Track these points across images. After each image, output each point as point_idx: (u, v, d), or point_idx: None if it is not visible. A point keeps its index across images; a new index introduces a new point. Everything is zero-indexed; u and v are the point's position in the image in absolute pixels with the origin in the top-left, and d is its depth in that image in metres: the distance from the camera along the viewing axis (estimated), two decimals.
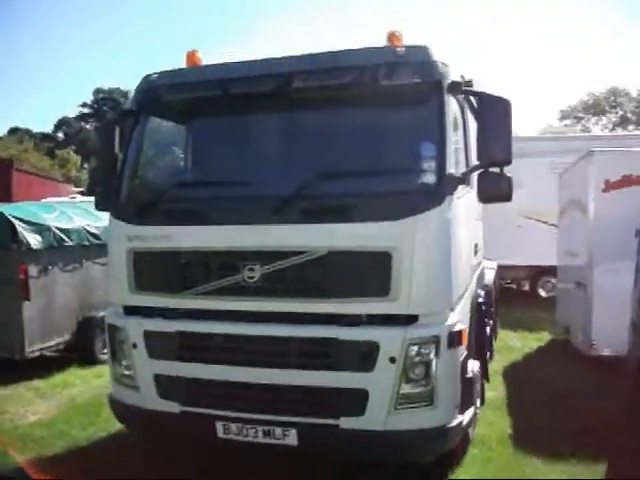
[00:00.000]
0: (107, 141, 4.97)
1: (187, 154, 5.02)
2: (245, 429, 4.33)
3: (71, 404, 7.09)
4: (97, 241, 8.86)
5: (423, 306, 4.07)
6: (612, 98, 42.87)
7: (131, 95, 5.22)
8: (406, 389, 4.08)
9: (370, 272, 4.09)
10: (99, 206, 5.19)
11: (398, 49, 4.28)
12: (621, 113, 43.28)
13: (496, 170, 4.27)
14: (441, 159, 4.12)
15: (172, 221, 4.51)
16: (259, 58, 4.60)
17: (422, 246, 4.02)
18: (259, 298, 4.29)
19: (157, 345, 4.59)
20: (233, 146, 4.77)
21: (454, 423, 4.18)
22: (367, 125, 4.45)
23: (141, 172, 5.03)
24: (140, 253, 4.63)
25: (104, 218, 9.49)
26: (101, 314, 8.99)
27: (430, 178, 4.13)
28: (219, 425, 4.39)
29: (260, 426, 4.29)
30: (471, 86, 4.47)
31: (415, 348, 4.05)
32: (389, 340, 4.05)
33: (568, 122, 39.95)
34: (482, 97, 4.28)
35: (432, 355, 4.07)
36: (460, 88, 4.32)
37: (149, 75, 4.92)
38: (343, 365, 4.12)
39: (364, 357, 4.08)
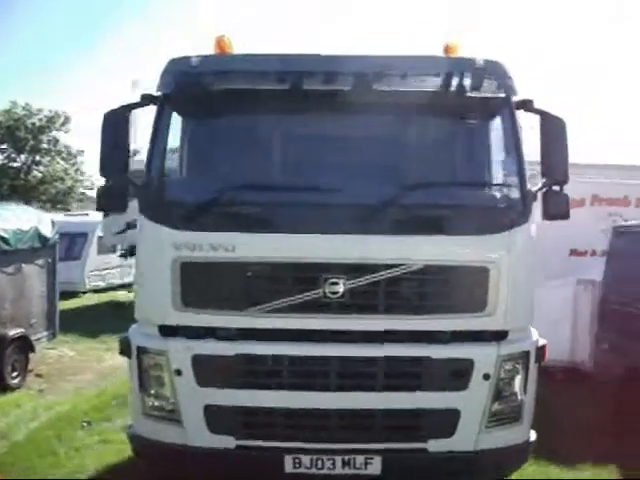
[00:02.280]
0: (120, 131, 4.19)
1: (245, 151, 4.36)
2: (320, 460, 3.91)
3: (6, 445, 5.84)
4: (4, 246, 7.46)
5: (516, 321, 4.05)
6: None
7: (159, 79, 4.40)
8: (496, 406, 4.01)
9: (466, 287, 3.97)
10: (104, 205, 4.39)
11: (477, 61, 4.23)
12: None
13: (557, 188, 4.42)
14: (521, 175, 4.15)
15: (236, 228, 3.92)
16: (324, 53, 4.24)
17: (515, 261, 4.00)
18: (342, 315, 3.91)
19: (210, 371, 3.94)
20: (309, 147, 4.29)
21: (533, 437, 4.20)
22: (449, 135, 4.33)
23: (184, 168, 4.32)
24: (191, 264, 3.95)
25: (8, 217, 8.11)
26: (12, 332, 7.70)
27: (515, 193, 4.12)
28: (288, 459, 3.90)
29: (339, 456, 3.90)
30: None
31: (508, 364, 4.01)
32: (484, 357, 3.95)
33: None
34: (545, 116, 4.40)
35: (521, 371, 4.06)
36: (531, 106, 4.40)
37: (184, 59, 4.25)
38: (434, 385, 3.92)
39: (457, 375, 3.94)
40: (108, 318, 13.64)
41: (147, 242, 4.16)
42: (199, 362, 3.94)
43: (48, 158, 36.50)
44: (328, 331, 3.94)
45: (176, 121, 4.33)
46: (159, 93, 4.27)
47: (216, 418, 3.95)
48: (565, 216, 4.44)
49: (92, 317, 13.72)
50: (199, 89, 4.12)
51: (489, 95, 4.16)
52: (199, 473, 4.03)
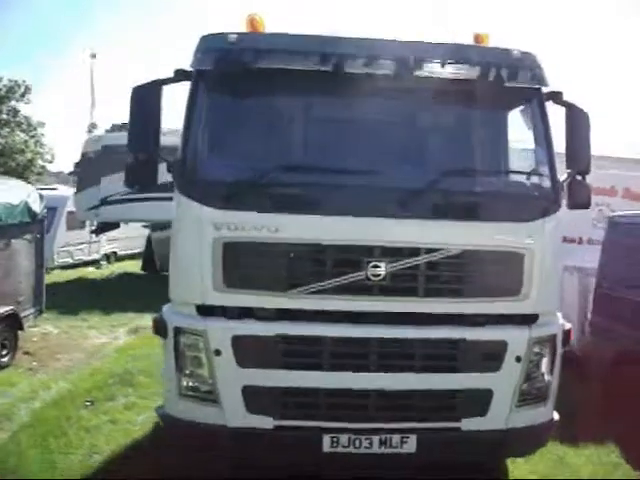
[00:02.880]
0: (150, 106, 4.10)
1: (285, 132, 4.31)
2: (358, 440, 3.99)
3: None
4: None
5: (545, 305, 4.20)
6: None
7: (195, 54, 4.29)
8: (526, 387, 4.16)
9: (502, 272, 4.07)
10: (133, 180, 4.33)
11: (514, 52, 4.30)
12: None
13: (579, 178, 4.57)
14: (552, 165, 4.27)
15: (279, 208, 3.91)
16: (362, 36, 4.24)
17: (546, 247, 4.14)
18: (383, 298, 3.97)
19: (250, 352, 3.95)
20: (349, 130, 4.27)
21: (556, 417, 4.38)
22: (485, 123, 4.41)
23: (225, 146, 4.25)
24: (234, 244, 3.92)
25: None
26: (2, 310, 7.46)
27: (547, 183, 4.23)
28: (326, 438, 3.97)
29: (376, 435, 3.99)
30: None
31: (538, 346, 4.16)
32: (517, 339, 4.09)
33: None
34: (572, 108, 4.52)
35: (549, 353, 4.22)
36: (560, 98, 4.50)
37: (221, 35, 4.17)
38: (469, 366, 4.04)
39: (491, 357, 4.06)
40: (84, 295, 13.41)
41: (185, 221, 4.10)
42: (239, 342, 3.94)
43: (7, 129, 35.07)
44: (368, 313, 4.00)
45: (212, 98, 4.26)
46: (194, 69, 4.20)
47: (255, 398, 3.97)
48: (587, 205, 4.60)
49: (67, 294, 13.38)
50: (239, 66, 4.03)
51: (525, 85, 4.25)
52: (236, 453, 4.04)
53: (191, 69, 4.23)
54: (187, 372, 4.09)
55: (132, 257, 22.21)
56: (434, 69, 4.13)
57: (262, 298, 3.98)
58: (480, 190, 4.13)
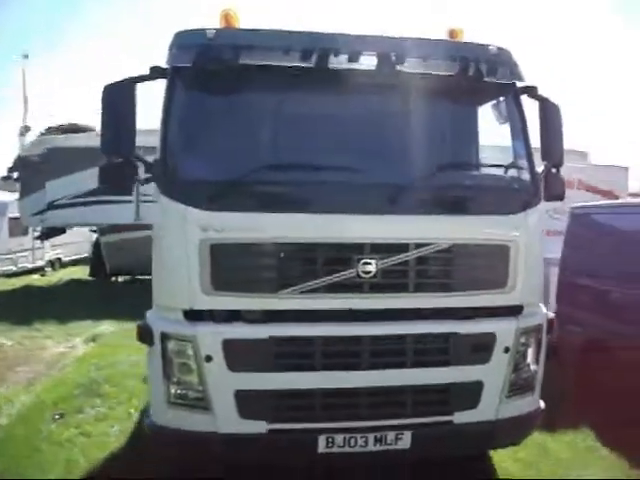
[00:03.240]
0: (124, 105, 3.95)
1: (267, 129, 4.21)
2: (353, 439, 3.95)
3: None
4: None
5: (531, 296, 4.28)
6: None
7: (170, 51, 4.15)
8: (514, 377, 4.23)
9: (489, 265, 4.13)
10: (109, 185, 4.18)
11: (490, 48, 4.35)
12: None
13: (554, 171, 4.68)
14: (530, 158, 4.36)
15: (268, 207, 3.82)
16: (345, 32, 4.20)
17: (530, 239, 4.21)
18: (374, 295, 3.95)
19: (241, 356, 3.85)
20: (332, 126, 4.22)
21: (543, 405, 4.48)
22: (465, 118, 4.48)
23: (207, 145, 4.11)
24: (221, 246, 3.81)
25: None
26: None
27: (528, 176, 4.32)
28: (321, 439, 3.91)
29: (371, 433, 3.97)
30: None
31: (524, 337, 4.23)
32: (505, 331, 4.14)
33: None
34: (546, 102, 4.62)
35: (534, 343, 4.30)
36: (535, 92, 4.59)
37: (198, 31, 4.05)
38: (460, 359, 4.07)
39: (482, 349, 4.11)
40: (33, 304, 12.86)
41: (169, 223, 3.95)
42: (230, 347, 3.83)
43: None
44: (358, 311, 3.97)
45: (191, 96, 4.13)
46: (170, 65, 4.07)
47: (247, 403, 3.87)
48: (562, 197, 4.73)
49: (16, 304, 12.81)
50: (220, 63, 3.92)
51: (503, 81, 4.32)
52: (230, 459, 3.94)
53: (167, 66, 4.11)
54: (175, 379, 3.94)
55: (77, 263, 21.52)
56: (416, 64, 4.14)
57: (252, 300, 3.89)
58: (466, 184, 4.19)
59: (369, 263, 3.89)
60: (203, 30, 4.06)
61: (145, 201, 16.18)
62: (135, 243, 14.67)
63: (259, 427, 3.90)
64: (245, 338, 3.86)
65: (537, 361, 4.35)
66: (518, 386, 4.27)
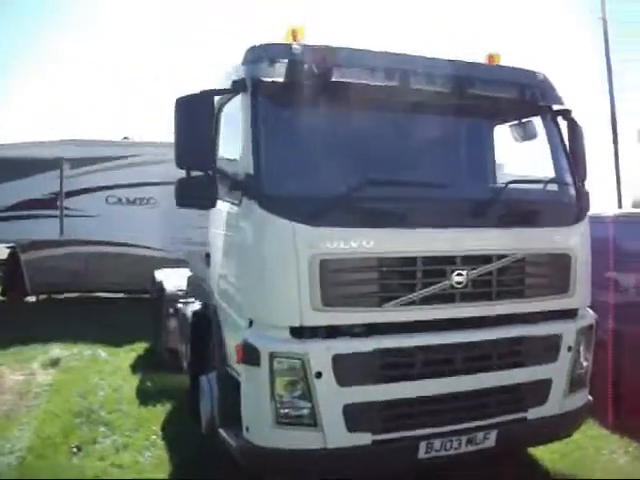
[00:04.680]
0: (201, 117, 3.98)
1: (357, 146, 4.28)
2: (449, 442, 4.16)
3: None
4: None
5: (585, 300, 4.74)
6: None
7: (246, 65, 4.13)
8: (573, 373, 4.65)
9: (556, 272, 4.53)
10: (189, 202, 4.12)
11: (538, 74, 4.79)
12: None
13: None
14: (573, 174, 4.85)
15: (369, 223, 3.96)
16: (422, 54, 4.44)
17: (584, 247, 4.70)
18: (464, 304, 4.21)
19: (350, 370, 3.92)
20: (416, 143, 4.43)
21: (591, 398, 4.94)
22: (526, 139, 4.83)
23: (304, 161, 4.13)
24: (330, 261, 3.87)
25: None
26: None
27: (580, 190, 4.81)
28: (422, 445, 4.08)
29: (464, 435, 4.20)
30: None
31: (581, 336, 4.67)
32: (568, 331, 4.57)
33: None
34: (575, 124, 5.11)
35: (587, 341, 4.76)
36: (569, 114, 5.07)
37: (283, 45, 4.10)
38: (535, 359, 4.44)
39: (551, 349, 4.50)
40: None
41: (273, 240, 3.93)
42: (339, 362, 3.89)
43: None
44: (451, 319, 4.20)
45: (283, 110, 4.16)
46: (256, 79, 4.08)
47: (354, 416, 3.94)
48: (589, 208, 5.26)
49: None
50: (312, 77, 4.03)
51: (555, 105, 4.79)
52: (336, 473, 3.97)
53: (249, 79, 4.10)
54: (284, 399, 3.91)
55: None
56: (485, 88, 4.47)
57: (357, 314, 3.97)
58: (532, 198, 4.57)
59: (461, 274, 4.13)
60: (288, 45, 4.11)
61: (67, 215, 15.18)
62: (59, 260, 13.81)
63: (365, 439, 3.98)
64: (353, 352, 3.93)
65: (588, 358, 4.81)
66: (576, 381, 4.69)
